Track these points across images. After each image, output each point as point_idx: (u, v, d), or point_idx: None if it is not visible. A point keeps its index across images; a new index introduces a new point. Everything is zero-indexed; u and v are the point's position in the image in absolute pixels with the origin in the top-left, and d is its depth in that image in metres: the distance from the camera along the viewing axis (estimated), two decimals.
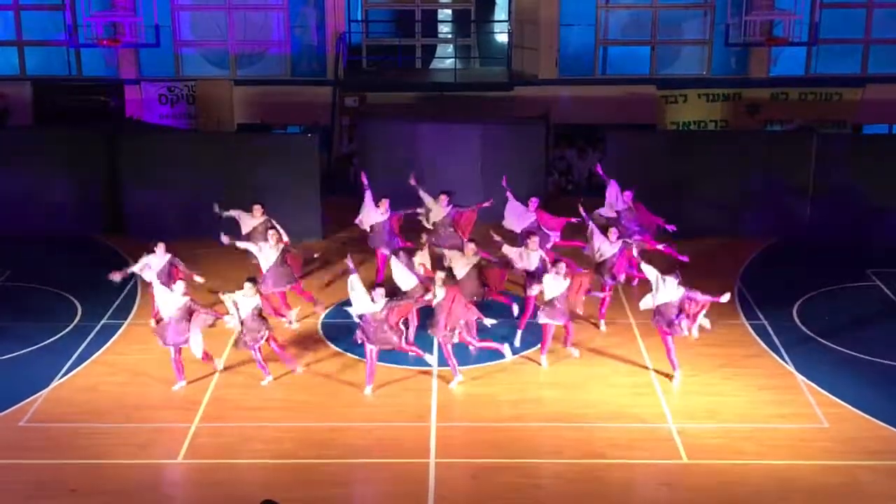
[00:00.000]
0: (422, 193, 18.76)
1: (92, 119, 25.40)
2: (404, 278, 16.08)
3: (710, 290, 19.12)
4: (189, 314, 15.07)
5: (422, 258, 16.81)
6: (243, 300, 15.15)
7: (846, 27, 27.67)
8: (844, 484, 13.07)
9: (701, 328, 15.35)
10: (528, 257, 16.56)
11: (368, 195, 18.70)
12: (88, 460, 13.56)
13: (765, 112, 27.20)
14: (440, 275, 15.36)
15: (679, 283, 15.11)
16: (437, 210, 18.59)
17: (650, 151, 22.38)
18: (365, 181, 18.84)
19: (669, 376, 15.68)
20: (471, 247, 16.47)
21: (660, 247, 17.53)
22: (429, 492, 12.90)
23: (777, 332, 17.43)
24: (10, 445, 13.91)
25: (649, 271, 15.44)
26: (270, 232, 17.33)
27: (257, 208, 18.20)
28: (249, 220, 18.25)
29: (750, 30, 25.96)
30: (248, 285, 15.19)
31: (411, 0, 28.27)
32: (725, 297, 15.05)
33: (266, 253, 17.10)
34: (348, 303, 15.37)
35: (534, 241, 16.65)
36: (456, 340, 15.25)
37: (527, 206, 18.56)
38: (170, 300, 15.12)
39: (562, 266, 15.58)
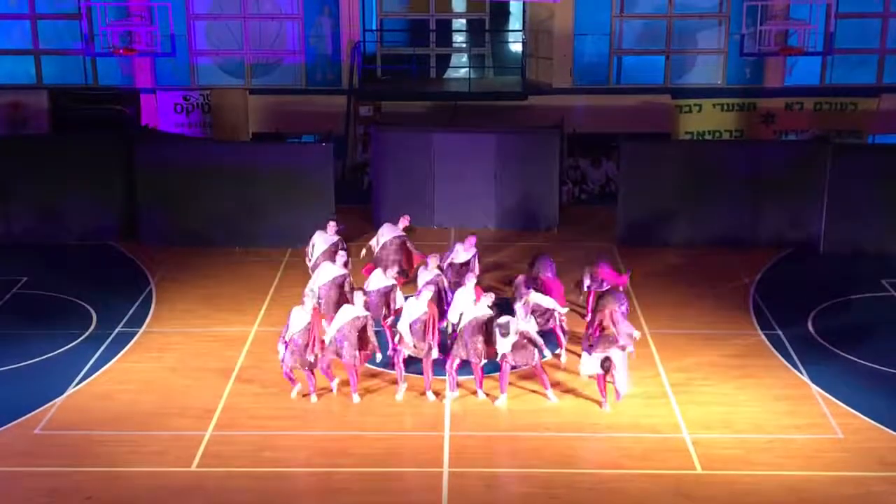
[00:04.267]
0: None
1: (107, 127, 25.48)
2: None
3: (724, 299, 19.24)
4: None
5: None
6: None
7: (861, 37, 27.59)
8: (859, 495, 13.02)
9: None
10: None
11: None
12: (103, 468, 13.61)
13: (779, 122, 27.14)
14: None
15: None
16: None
17: (665, 161, 22.33)
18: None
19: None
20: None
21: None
22: (442, 501, 12.90)
23: (792, 343, 17.37)
24: (25, 452, 13.96)
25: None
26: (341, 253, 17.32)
27: (331, 225, 18.14)
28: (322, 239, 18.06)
29: (765, 40, 25.90)
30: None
31: (426, 10, 28.34)
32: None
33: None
34: None
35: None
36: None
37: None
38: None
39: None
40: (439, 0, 28.32)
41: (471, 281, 16.14)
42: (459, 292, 16.00)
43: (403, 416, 15.00)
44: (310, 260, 17.94)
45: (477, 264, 17.91)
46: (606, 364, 14.78)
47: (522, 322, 15.00)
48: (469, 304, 15.41)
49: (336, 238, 17.97)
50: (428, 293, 15.51)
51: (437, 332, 15.43)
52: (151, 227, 22.28)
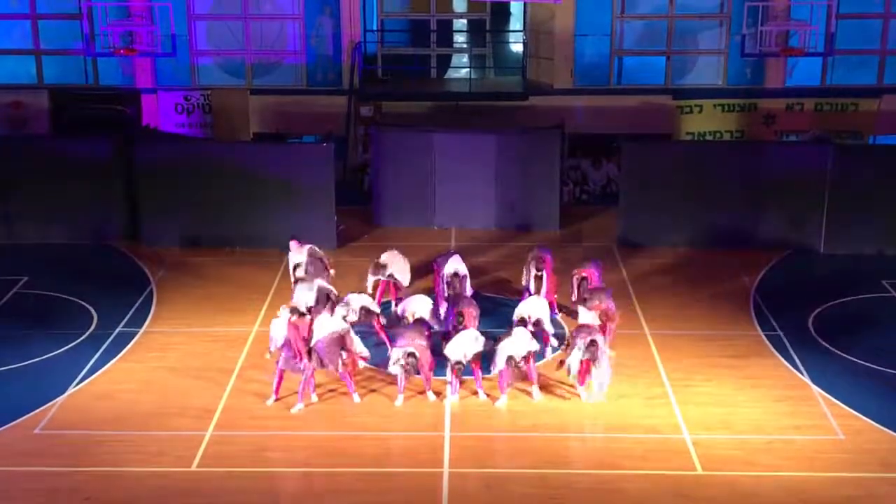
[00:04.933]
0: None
1: (108, 128, 25.46)
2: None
3: (724, 299, 19.23)
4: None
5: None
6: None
7: (862, 38, 27.57)
8: (859, 497, 13.02)
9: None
10: None
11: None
12: (103, 468, 13.62)
13: (780, 122, 27.13)
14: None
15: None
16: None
17: (665, 161, 22.33)
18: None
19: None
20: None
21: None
22: (442, 501, 12.91)
23: (793, 344, 17.36)
24: (25, 452, 13.97)
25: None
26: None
27: (293, 244, 18.30)
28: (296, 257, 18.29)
29: (766, 40, 25.88)
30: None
31: (427, 10, 28.33)
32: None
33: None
34: None
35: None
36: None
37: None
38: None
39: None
40: (440, 0, 28.31)
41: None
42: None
43: (403, 416, 14.99)
44: (294, 281, 17.98)
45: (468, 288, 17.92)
46: (593, 347, 14.79)
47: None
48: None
49: (306, 248, 18.07)
50: None
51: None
52: (152, 227, 22.27)
